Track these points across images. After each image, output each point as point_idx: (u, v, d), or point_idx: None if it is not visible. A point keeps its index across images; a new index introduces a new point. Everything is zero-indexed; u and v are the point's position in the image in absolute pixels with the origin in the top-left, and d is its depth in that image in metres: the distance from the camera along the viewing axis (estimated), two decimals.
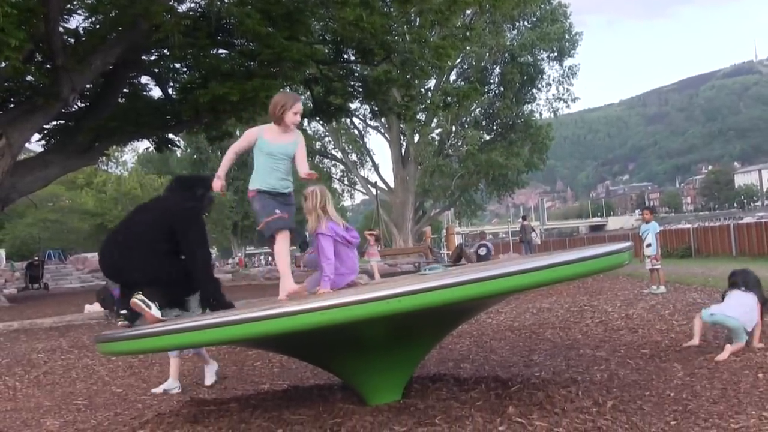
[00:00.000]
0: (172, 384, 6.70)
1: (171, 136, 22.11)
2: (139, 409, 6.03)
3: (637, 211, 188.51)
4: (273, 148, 5.42)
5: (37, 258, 29.25)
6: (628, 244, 4.81)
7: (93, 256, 40.20)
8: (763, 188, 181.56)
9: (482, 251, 19.24)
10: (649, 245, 12.65)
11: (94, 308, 14.62)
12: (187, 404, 5.99)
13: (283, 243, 5.41)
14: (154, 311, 5.02)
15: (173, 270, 5.42)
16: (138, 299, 4.97)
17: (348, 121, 40.29)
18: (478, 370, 6.43)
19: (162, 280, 5.29)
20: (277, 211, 5.37)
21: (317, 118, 28.84)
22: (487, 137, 41.95)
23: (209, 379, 6.86)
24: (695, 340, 6.96)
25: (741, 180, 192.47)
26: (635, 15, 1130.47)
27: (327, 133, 43.66)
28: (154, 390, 6.75)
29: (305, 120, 27.55)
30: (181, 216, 5.52)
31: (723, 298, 6.98)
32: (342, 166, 46.85)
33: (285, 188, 5.51)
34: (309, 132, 39.05)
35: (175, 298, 5.64)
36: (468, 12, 30.17)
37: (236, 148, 5.57)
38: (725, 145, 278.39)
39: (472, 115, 41.67)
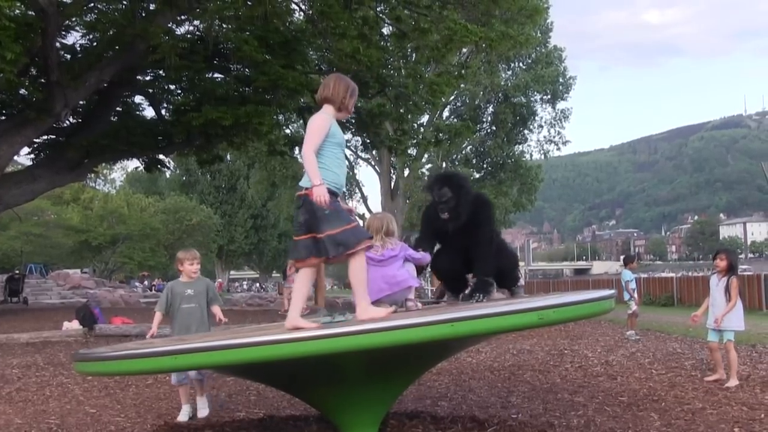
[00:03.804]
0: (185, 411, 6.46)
1: (161, 156, 22.08)
2: (112, 431, 5.97)
3: (622, 258, 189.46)
4: (342, 137, 4.81)
5: (18, 271, 29.05)
6: (611, 291, 4.82)
7: (75, 273, 39.95)
8: (748, 241, 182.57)
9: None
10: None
11: (73, 326, 14.51)
12: (161, 428, 5.94)
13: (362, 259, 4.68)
14: None
15: None
16: None
17: None
18: (456, 408, 6.40)
19: None
20: (352, 218, 4.69)
21: None
22: (477, 175, 42.05)
23: (202, 411, 6.54)
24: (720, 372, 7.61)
25: (726, 232, 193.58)
26: (627, 63, 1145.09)
27: None
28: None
29: (297, 148, 27.59)
30: None
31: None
32: None
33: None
34: (300, 160, 39.07)
35: None
36: (464, 50, 30.39)
37: (315, 148, 4.61)
38: (712, 196, 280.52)
39: (463, 152, 41.82)
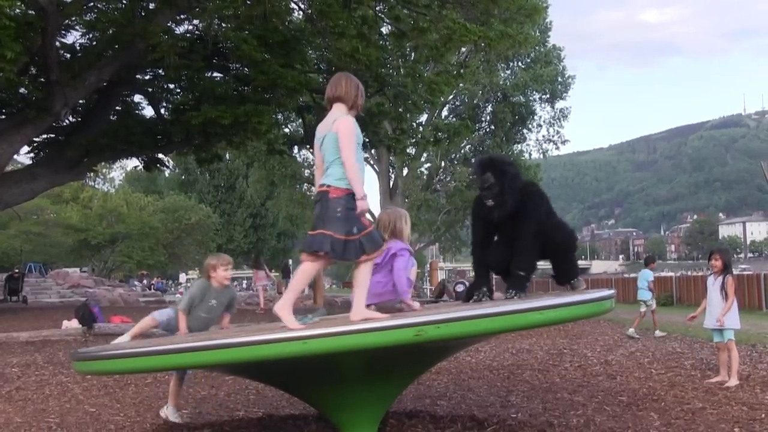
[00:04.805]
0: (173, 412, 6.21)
1: (160, 155, 22.08)
2: (112, 430, 5.97)
3: (621, 257, 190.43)
4: (361, 136, 4.77)
5: (17, 270, 29.02)
6: (611, 291, 4.81)
7: (74, 271, 39.94)
8: (747, 240, 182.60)
9: (459, 288, 19.48)
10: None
11: (72, 324, 14.49)
12: (160, 427, 5.94)
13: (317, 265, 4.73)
14: None
15: None
16: None
17: None
18: (455, 408, 6.41)
19: None
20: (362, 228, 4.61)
21: (308, 146, 28.91)
22: None
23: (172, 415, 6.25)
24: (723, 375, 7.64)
25: (725, 231, 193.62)
26: (625, 62, 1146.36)
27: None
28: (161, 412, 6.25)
29: (296, 147, 27.58)
30: None
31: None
32: None
33: None
34: (299, 159, 39.10)
35: None
36: (463, 50, 30.39)
37: (356, 155, 4.62)
38: (711, 196, 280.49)
39: (462, 151, 41.75)
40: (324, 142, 4.69)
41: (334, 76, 4.93)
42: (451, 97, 38.46)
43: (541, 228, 5.48)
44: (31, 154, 20.14)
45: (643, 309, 13.26)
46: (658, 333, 12.86)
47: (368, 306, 5.01)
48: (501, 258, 5.60)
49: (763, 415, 5.94)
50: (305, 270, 4.63)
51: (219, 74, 19.77)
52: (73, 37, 49.77)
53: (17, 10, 14.36)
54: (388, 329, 3.98)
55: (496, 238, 5.75)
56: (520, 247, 5.43)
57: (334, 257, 4.54)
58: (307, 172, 43.50)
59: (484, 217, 5.62)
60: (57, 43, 16.72)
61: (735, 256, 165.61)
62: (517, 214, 5.43)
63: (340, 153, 4.57)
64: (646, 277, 13.53)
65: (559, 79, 40.17)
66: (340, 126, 4.62)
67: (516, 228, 5.44)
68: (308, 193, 43.87)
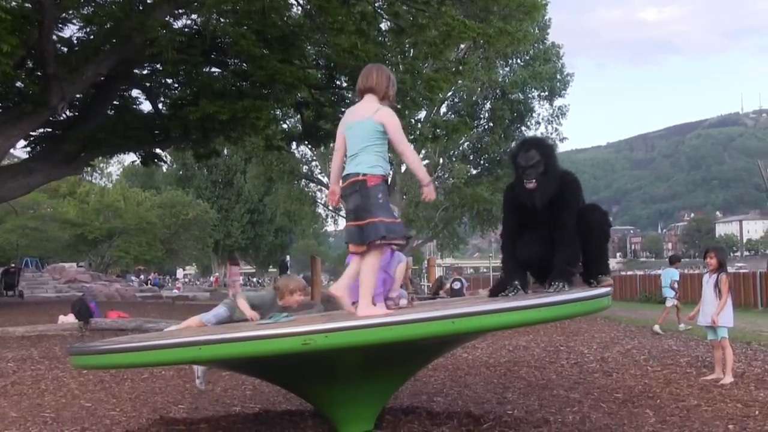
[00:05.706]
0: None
1: (158, 151, 22.03)
2: (107, 425, 5.96)
3: (619, 255, 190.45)
4: None
5: (13, 265, 28.97)
6: (607, 288, 4.80)
7: (70, 266, 39.84)
8: (743, 239, 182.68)
9: (456, 285, 19.51)
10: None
11: (69, 319, 14.47)
12: (156, 422, 5.94)
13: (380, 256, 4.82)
14: None
15: None
16: None
17: None
18: (452, 404, 6.41)
19: None
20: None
21: (306, 142, 28.90)
22: (474, 171, 42.06)
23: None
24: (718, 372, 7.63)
25: (722, 229, 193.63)
26: (624, 61, 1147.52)
27: (315, 158, 43.68)
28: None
29: (294, 143, 27.54)
30: None
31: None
32: (327, 191, 46.66)
33: None
34: (297, 155, 39.05)
35: None
36: (462, 47, 30.33)
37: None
38: (708, 194, 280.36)
39: (460, 148, 41.78)
40: (354, 129, 4.75)
41: (366, 67, 4.99)
42: (449, 94, 38.44)
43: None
44: (28, 149, 20.10)
45: (669, 304, 13.61)
46: (656, 328, 12.92)
47: (353, 303, 5.02)
48: (535, 253, 5.38)
49: (756, 412, 5.95)
50: (372, 263, 4.64)
51: (217, 69, 19.72)
52: (71, 30, 49.58)
53: (14, 3, 14.34)
54: (275, 337, 3.99)
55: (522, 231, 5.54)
56: (563, 240, 5.22)
57: (387, 240, 4.62)
58: (305, 168, 43.53)
59: (518, 206, 5.42)
60: (54, 37, 16.67)
61: (731, 254, 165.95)
62: (551, 204, 5.23)
63: (372, 142, 4.65)
64: (670, 275, 13.89)
65: (558, 77, 40.19)
66: (386, 118, 4.67)
67: (555, 219, 5.25)
68: (306, 189, 43.87)
